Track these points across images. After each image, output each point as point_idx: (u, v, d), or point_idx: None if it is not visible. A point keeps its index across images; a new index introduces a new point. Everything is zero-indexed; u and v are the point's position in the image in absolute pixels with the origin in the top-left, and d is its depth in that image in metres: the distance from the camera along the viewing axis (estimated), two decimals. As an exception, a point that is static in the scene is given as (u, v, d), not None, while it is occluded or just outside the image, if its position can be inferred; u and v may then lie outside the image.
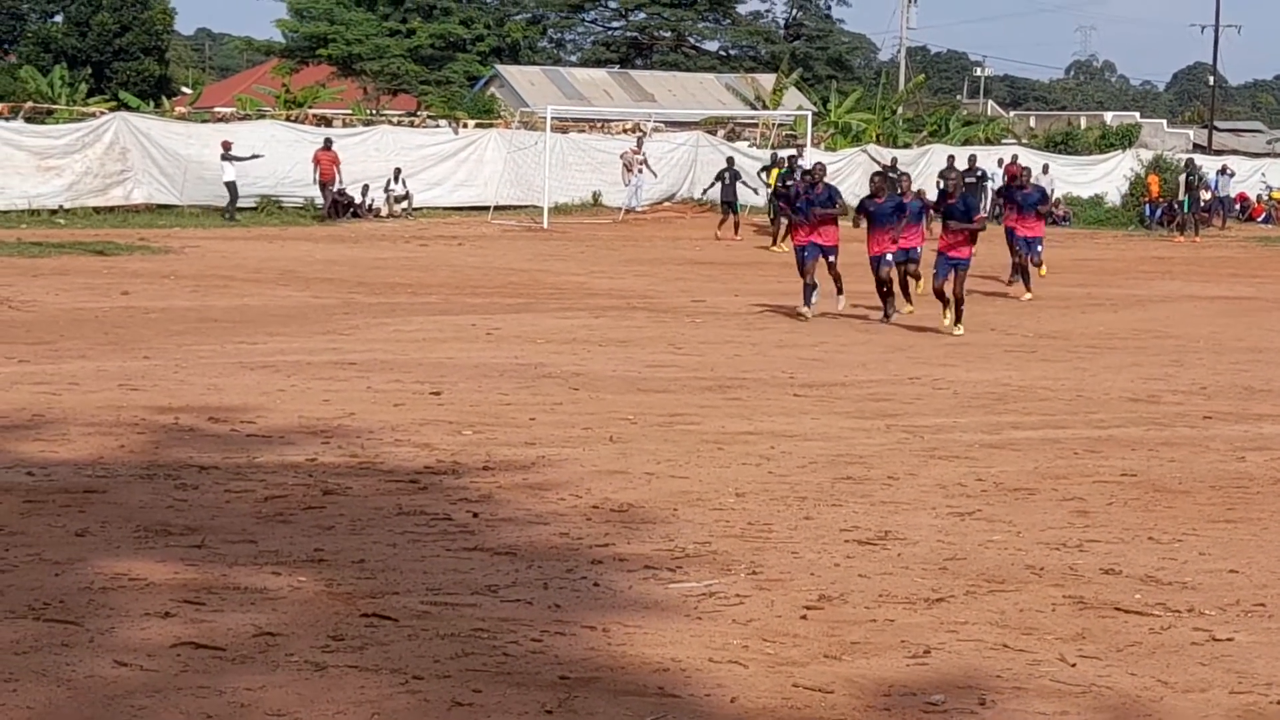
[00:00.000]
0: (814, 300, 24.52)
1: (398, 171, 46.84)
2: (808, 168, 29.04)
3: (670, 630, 8.11)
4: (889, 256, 24.03)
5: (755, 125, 58.50)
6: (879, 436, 14.24)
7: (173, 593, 8.51)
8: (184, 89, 79.01)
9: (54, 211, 41.59)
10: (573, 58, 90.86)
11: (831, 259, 24.58)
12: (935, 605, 8.74)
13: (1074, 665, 7.74)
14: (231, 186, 43.22)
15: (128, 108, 49.33)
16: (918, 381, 17.88)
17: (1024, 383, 17.93)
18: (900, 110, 61.93)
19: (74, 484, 11.22)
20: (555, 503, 11.09)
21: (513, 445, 13.22)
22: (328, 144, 44.69)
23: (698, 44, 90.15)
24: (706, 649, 7.82)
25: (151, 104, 55.80)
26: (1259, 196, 60.38)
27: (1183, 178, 51.49)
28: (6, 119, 44.40)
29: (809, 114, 53.92)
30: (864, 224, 24.19)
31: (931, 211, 25.49)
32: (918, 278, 25.19)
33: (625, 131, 52.88)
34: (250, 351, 18.71)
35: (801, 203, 24.69)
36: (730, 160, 45.79)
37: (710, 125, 57.46)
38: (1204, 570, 9.70)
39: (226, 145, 43.38)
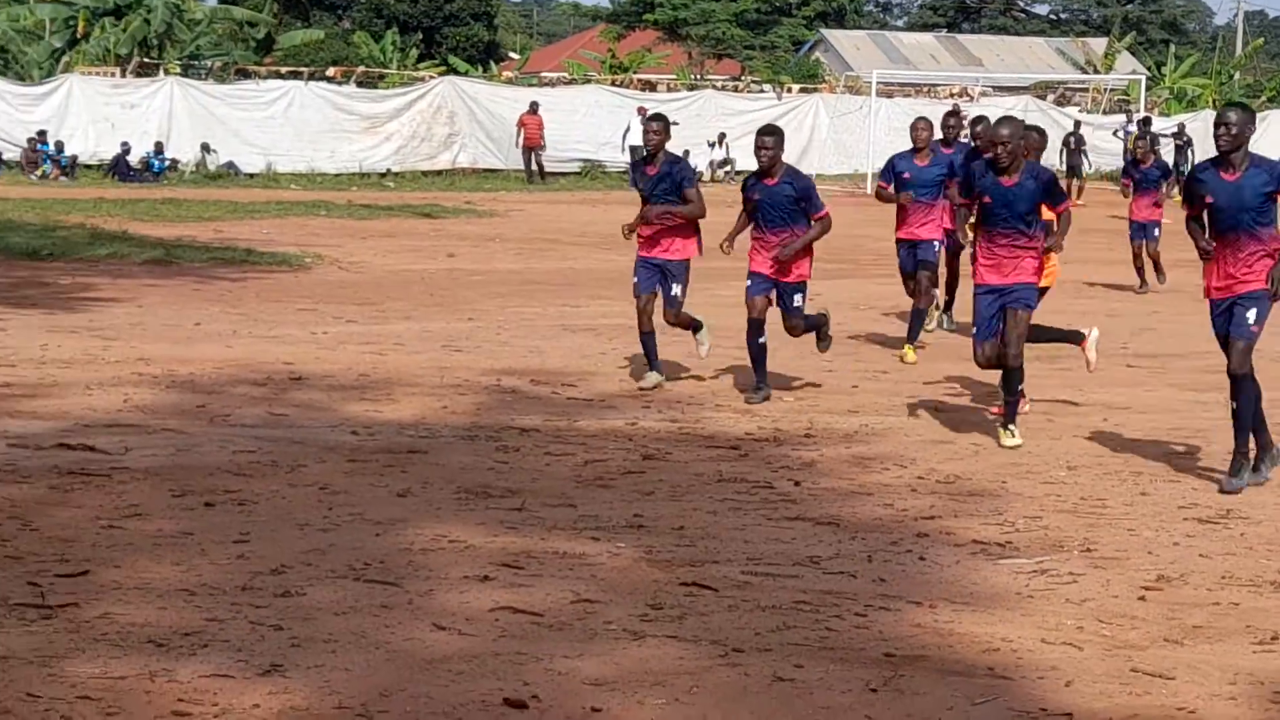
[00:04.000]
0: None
1: (722, 136, 46.82)
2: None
3: (1000, 608, 7.80)
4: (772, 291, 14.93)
5: (1086, 90, 57.29)
6: (1218, 411, 13.66)
7: (492, 556, 8.44)
8: (511, 54, 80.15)
9: (383, 175, 42.41)
10: (899, 21, 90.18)
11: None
12: (1283, 590, 8.28)
13: None
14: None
15: (456, 72, 50.15)
16: (1260, 355, 17.14)
17: (1373, 357, 17.08)
18: (1238, 76, 60.05)
19: (397, 444, 11.26)
20: (879, 472, 10.82)
21: (835, 413, 12.98)
22: (534, 108, 44.13)
23: (1027, 7, 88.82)
24: (1039, 629, 7.49)
25: (479, 69, 56.70)
26: None
27: None
28: (339, 83, 45.40)
29: (1142, 79, 52.61)
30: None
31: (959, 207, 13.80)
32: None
33: (951, 96, 52.11)
34: (573, 314, 18.72)
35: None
36: (1077, 124, 45.13)
37: (1039, 90, 56.40)
38: None
39: (642, 110, 43.94)
